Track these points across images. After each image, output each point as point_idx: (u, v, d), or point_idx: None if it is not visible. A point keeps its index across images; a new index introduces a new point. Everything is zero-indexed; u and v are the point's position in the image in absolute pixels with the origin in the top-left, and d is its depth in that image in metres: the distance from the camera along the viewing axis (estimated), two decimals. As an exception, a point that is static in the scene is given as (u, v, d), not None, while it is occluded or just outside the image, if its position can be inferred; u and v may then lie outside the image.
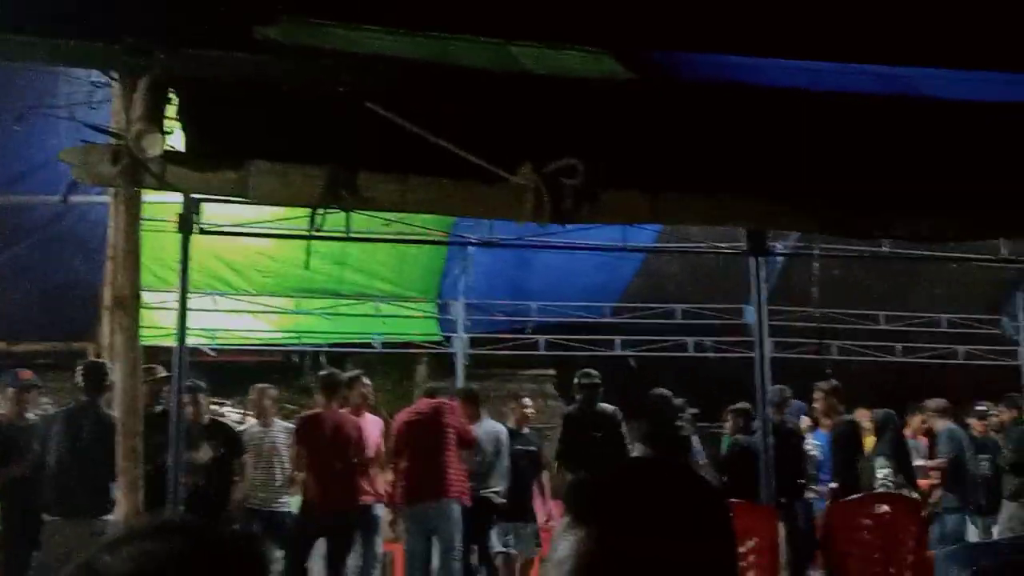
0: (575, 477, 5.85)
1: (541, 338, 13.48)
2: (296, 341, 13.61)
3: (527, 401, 11.15)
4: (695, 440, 10.74)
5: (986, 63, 6.57)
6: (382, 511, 9.93)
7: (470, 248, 11.26)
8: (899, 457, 10.44)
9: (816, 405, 10.57)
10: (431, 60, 6.16)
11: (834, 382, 10.28)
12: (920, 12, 6.61)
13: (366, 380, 10.16)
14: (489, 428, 10.11)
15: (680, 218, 5.26)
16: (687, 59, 6.77)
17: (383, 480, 9.88)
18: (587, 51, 6.62)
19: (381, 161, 4.84)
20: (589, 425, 10.13)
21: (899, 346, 13.64)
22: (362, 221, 7.99)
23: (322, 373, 10.00)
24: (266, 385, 10.17)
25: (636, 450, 10.44)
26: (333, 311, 12.52)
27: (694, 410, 11.04)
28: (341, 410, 9.41)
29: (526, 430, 10.78)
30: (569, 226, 6.41)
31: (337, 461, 9.12)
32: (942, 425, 11.06)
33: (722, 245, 9.54)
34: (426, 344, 13.87)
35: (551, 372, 14.34)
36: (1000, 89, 6.64)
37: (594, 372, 10.46)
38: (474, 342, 13.13)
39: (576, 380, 10.48)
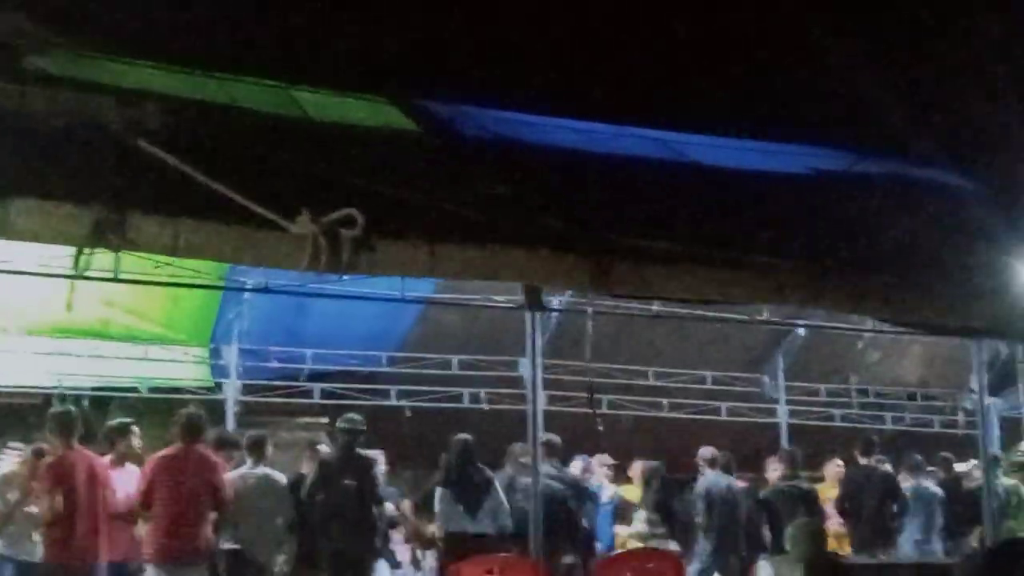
0: None
1: (316, 386, 13.29)
2: (56, 384, 12.95)
3: (325, 448, 11.00)
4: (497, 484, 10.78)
5: (748, 133, 6.92)
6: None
7: (246, 293, 11.04)
8: (663, 510, 10.78)
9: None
10: (211, 101, 6.04)
11: None
12: (691, 82, 6.90)
13: (135, 429, 9.75)
14: (261, 476, 9.83)
15: (456, 271, 5.29)
16: (468, 113, 6.87)
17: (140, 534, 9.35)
18: (370, 100, 6.64)
19: (153, 203, 4.69)
20: (343, 471, 10.01)
21: (665, 401, 14.07)
22: (133, 261, 7.72)
23: (54, 411, 9.22)
24: None
25: (438, 494, 10.43)
26: (98, 354, 12.01)
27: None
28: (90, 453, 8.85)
29: None
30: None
31: (86, 509, 8.46)
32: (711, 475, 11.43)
33: (499, 299, 9.67)
34: (196, 390, 13.46)
35: (324, 420, 14.13)
36: (759, 158, 7.00)
37: (357, 418, 10.35)
38: (247, 389, 12.83)
39: (339, 424, 10.39)
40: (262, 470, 9.71)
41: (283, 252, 4.70)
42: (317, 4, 6.61)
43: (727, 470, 11.61)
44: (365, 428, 10.20)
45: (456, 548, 9.94)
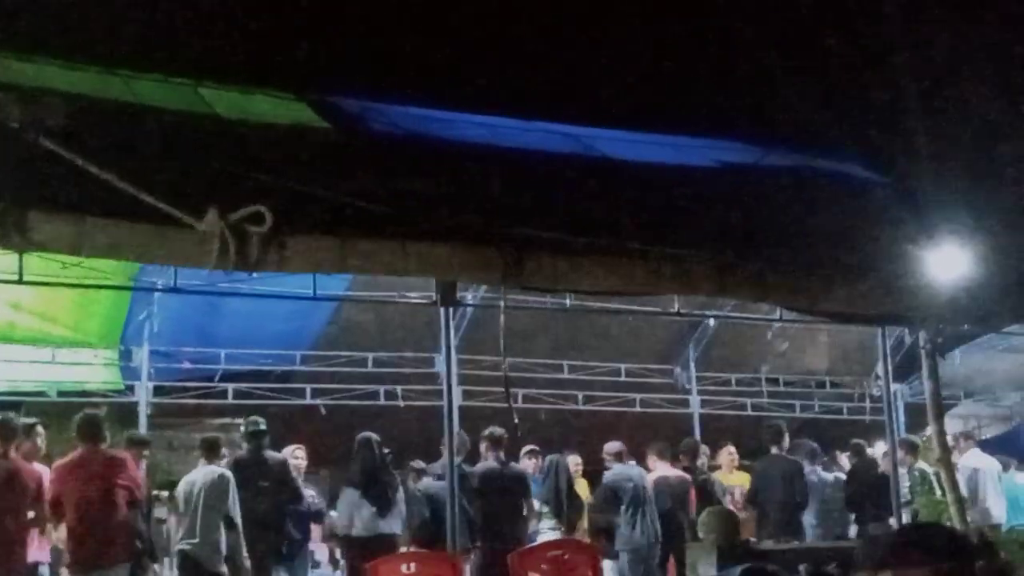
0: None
1: (229, 386, 13.16)
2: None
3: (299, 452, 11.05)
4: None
5: (656, 127, 6.99)
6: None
7: (156, 293, 10.89)
8: (559, 501, 10.91)
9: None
10: (115, 98, 5.95)
11: None
12: (599, 77, 6.95)
13: (40, 429, 9.60)
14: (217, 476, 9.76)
15: (368, 268, 5.27)
16: (378, 109, 6.85)
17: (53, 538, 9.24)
18: (279, 96, 6.58)
19: (56, 202, 4.60)
20: (255, 473, 9.99)
21: (581, 395, 14.18)
22: (39, 263, 7.58)
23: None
24: None
25: (345, 493, 10.40)
26: (5, 358, 11.77)
27: (387, 450, 11.16)
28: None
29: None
30: (260, 273, 6.31)
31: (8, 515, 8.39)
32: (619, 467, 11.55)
33: (412, 295, 9.67)
34: (107, 393, 13.25)
35: (239, 421, 14.00)
36: (669, 152, 7.07)
37: (260, 420, 10.37)
38: (159, 390, 12.67)
39: (243, 428, 10.37)
40: (217, 470, 9.67)
41: (190, 250, 4.65)
42: (224, 0, 6.54)
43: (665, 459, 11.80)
44: (267, 430, 10.23)
45: (363, 547, 9.96)
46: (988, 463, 13.28)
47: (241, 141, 5.83)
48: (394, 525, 10.32)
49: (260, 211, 4.57)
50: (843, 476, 12.94)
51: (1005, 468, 13.88)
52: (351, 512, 10.31)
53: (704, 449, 12.79)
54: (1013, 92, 7.14)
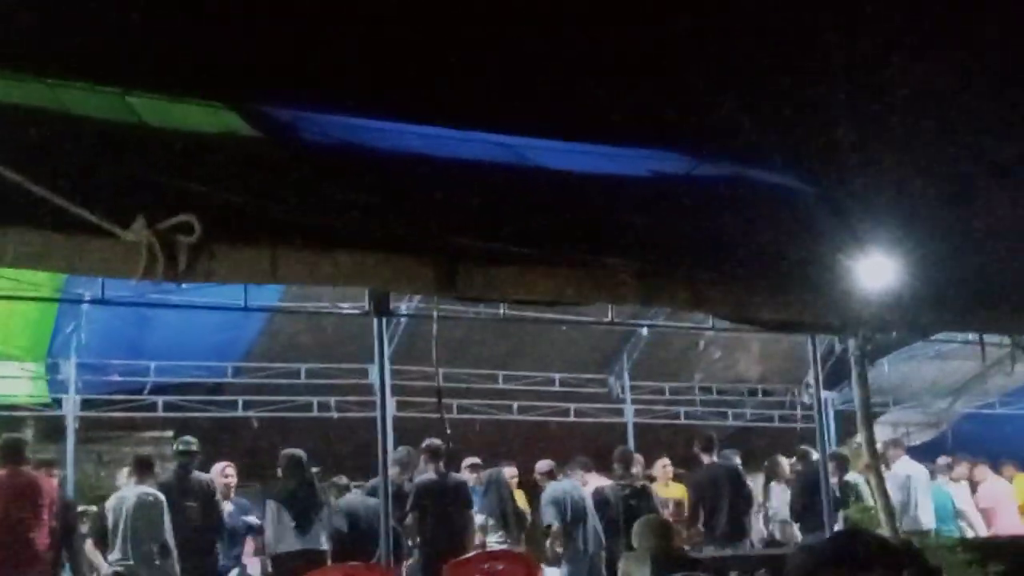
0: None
1: (159, 399, 12.97)
2: None
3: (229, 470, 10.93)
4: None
5: (591, 137, 7.02)
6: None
7: (84, 304, 10.70)
8: (504, 514, 10.89)
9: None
10: (41, 106, 5.85)
11: None
12: (535, 87, 6.95)
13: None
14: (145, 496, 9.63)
15: (300, 278, 5.22)
16: (311, 119, 6.80)
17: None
18: (209, 105, 6.51)
19: (-23, 211, 4.50)
20: (183, 493, 9.91)
21: (515, 404, 14.17)
22: (-40, 275, 7.43)
23: None
24: None
25: (269, 508, 10.30)
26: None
27: (315, 468, 11.09)
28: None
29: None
30: (189, 284, 6.23)
31: None
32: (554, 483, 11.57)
33: (345, 306, 9.60)
34: (34, 407, 13.00)
35: (169, 434, 13.81)
36: (603, 162, 7.10)
37: (192, 440, 10.30)
38: (87, 404, 12.45)
39: (174, 447, 10.27)
40: (150, 492, 9.54)
41: (117, 261, 4.56)
42: (153, 8, 6.45)
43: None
44: (199, 451, 10.15)
45: (289, 563, 9.92)
46: (918, 470, 13.47)
47: (170, 150, 5.75)
48: (318, 541, 10.27)
49: (189, 220, 4.50)
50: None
51: (932, 476, 14.10)
52: (275, 528, 10.25)
53: (638, 458, 12.83)
54: (941, 106, 7.26)
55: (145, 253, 4.46)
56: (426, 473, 10.83)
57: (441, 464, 10.82)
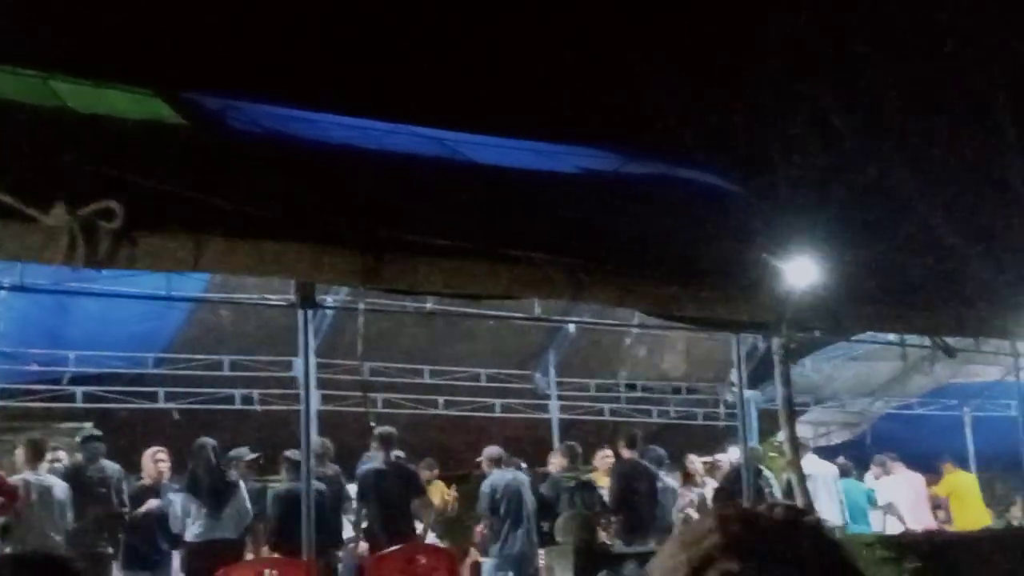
0: None
1: (78, 389, 12.73)
2: None
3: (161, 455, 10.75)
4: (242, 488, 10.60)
5: (521, 133, 7.03)
6: None
7: (1, 291, 10.48)
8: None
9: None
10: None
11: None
12: (467, 82, 6.96)
13: None
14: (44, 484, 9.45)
15: (223, 266, 5.17)
16: (239, 108, 6.73)
17: None
18: (134, 92, 6.42)
19: None
20: (93, 482, 9.78)
21: (441, 399, 14.13)
22: None
23: None
24: None
25: (179, 499, 10.17)
26: None
27: (254, 455, 10.96)
28: None
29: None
30: (113, 272, 6.12)
31: None
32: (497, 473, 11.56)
33: (272, 297, 9.50)
34: (-53, 397, 12.71)
35: (88, 425, 13.60)
36: (533, 157, 7.12)
37: (96, 431, 10.18)
38: (4, 393, 12.18)
39: (78, 438, 10.14)
40: (48, 481, 9.37)
41: (37, 246, 4.49)
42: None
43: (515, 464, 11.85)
44: (102, 438, 10.03)
45: (198, 552, 9.83)
46: (823, 469, 13.65)
47: (94, 136, 5.67)
48: (228, 530, 10.17)
49: (111, 206, 4.44)
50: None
51: (847, 473, 14.32)
52: (183, 517, 10.14)
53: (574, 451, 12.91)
54: (863, 112, 7.37)
55: (66, 238, 4.39)
56: (374, 461, 10.75)
57: (392, 453, 10.77)
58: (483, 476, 11.73)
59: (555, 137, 8.04)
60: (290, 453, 10.58)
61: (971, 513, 14.64)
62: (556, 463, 12.42)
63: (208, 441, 10.46)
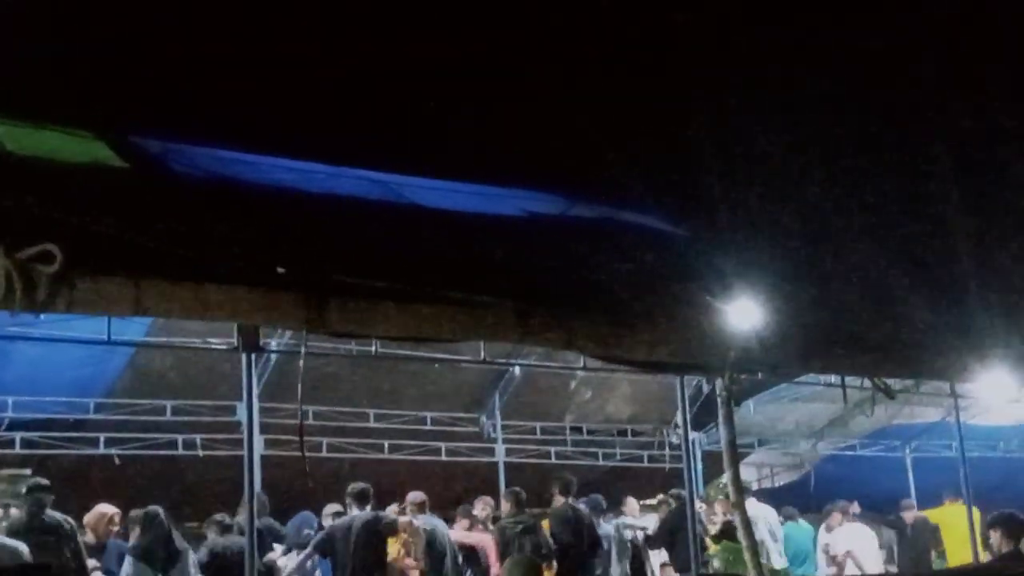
0: None
1: (17, 435, 12.53)
2: None
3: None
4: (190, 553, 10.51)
5: (465, 176, 7.02)
6: None
7: (-63, 337, 10.30)
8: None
9: None
10: None
11: None
12: (411, 125, 6.95)
13: None
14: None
15: (165, 311, 5.10)
16: (180, 150, 6.68)
17: None
18: (73, 133, 6.34)
19: None
20: (36, 532, 9.58)
21: (387, 443, 14.06)
22: None
23: None
24: None
25: (127, 563, 10.05)
26: None
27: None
28: None
29: None
30: (50, 316, 6.03)
31: None
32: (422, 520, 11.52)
33: (214, 341, 9.42)
34: None
35: (27, 472, 13.36)
36: (477, 200, 7.12)
37: (43, 480, 9.97)
38: (-63, 440, 11.98)
39: (24, 488, 9.93)
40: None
41: (-29, 290, 4.41)
42: (18, 30, 6.28)
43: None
44: (50, 487, 9.84)
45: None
46: (763, 512, 13.71)
47: (32, 177, 5.59)
48: None
49: (49, 250, 4.38)
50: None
51: (790, 518, 14.36)
52: None
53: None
54: (807, 155, 7.46)
55: (2, 282, 4.32)
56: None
57: (367, 506, 10.71)
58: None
59: (501, 180, 8.06)
60: (219, 517, 10.56)
61: (953, 545, 14.70)
62: (503, 508, 12.42)
63: (159, 511, 10.36)
